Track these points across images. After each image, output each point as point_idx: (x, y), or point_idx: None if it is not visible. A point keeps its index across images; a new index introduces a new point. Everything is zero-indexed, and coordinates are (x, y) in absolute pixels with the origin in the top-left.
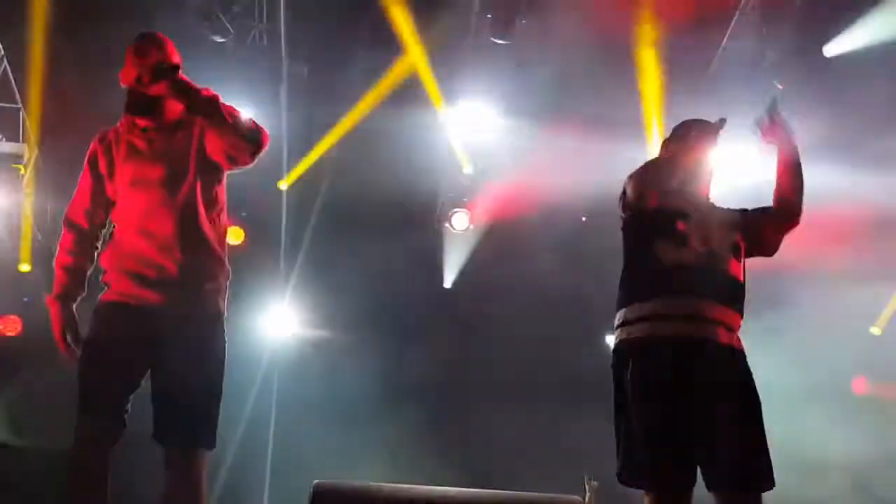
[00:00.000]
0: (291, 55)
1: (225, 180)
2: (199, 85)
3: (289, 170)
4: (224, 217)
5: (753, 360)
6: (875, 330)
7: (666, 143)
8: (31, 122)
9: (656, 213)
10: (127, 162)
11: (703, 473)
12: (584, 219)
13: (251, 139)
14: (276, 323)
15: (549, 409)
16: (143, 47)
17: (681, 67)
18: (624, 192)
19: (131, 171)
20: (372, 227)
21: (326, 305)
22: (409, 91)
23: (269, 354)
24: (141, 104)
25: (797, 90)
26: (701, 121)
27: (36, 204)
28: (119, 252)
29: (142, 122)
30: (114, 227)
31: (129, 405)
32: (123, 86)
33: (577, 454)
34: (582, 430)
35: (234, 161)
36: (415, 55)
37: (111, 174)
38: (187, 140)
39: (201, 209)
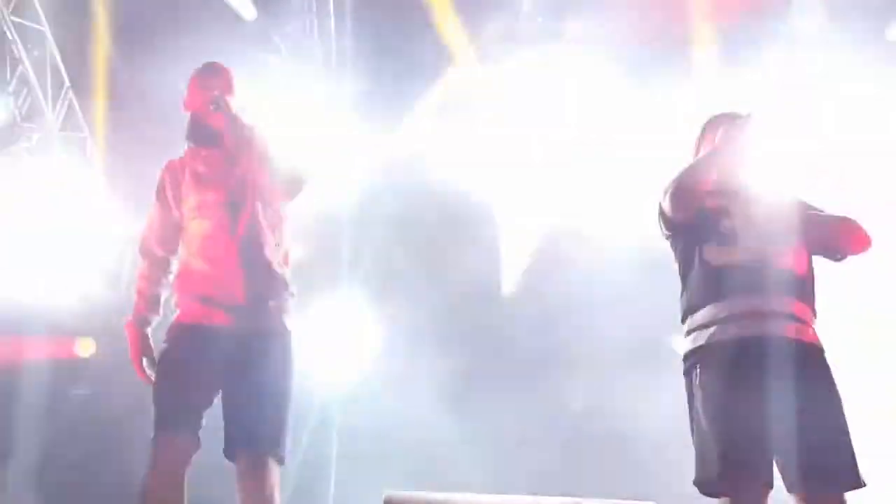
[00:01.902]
0: (344, 70)
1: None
2: (248, 121)
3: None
4: (287, 238)
5: None
6: None
7: (697, 143)
8: (97, 150)
9: (699, 216)
10: (191, 188)
11: (781, 475)
12: None
13: (287, 181)
14: (339, 334)
15: (619, 414)
16: (206, 78)
17: (737, 58)
18: (662, 212)
19: (195, 197)
20: (431, 235)
21: (389, 314)
22: (462, 98)
23: (332, 367)
24: (202, 133)
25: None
26: (729, 114)
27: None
28: (187, 276)
29: (205, 152)
30: (184, 252)
31: (203, 421)
32: (186, 111)
33: (651, 460)
34: (654, 437)
35: (286, 196)
36: (466, 63)
37: (178, 201)
38: (247, 166)
39: (263, 233)
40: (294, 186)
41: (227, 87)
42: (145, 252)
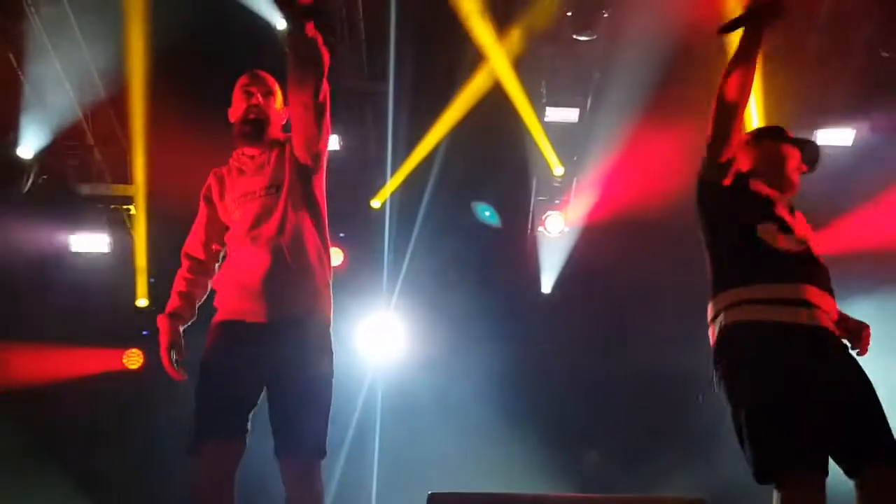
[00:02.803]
0: (373, 73)
1: (323, 196)
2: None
3: (381, 188)
4: (327, 236)
5: None
6: None
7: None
8: (136, 164)
9: (753, 197)
10: (235, 183)
11: (840, 462)
12: None
13: (314, 70)
14: (378, 341)
15: (663, 411)
16: (248, 85)
17: (779, 49)
18: (709, 157)
19: (239, 189)
20: (468, 237)
21: (429, 317)
22: (494, 97)
23: (373, 367)
24: (249, 133)
25: None
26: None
27: (148, 242)
28: (229, 268)
29: (249, 151)
30: (226, 251)
31: (249, 424)
32: (233, 121)
33: (699, 454)
34: (700, 430)
35: (309, 143)
36: (496, 61)
37: (222, 197)
38: (282, 152)
39: (304, 220)
40: (308, 106)
41: (269, 90)
42: (188, 257)
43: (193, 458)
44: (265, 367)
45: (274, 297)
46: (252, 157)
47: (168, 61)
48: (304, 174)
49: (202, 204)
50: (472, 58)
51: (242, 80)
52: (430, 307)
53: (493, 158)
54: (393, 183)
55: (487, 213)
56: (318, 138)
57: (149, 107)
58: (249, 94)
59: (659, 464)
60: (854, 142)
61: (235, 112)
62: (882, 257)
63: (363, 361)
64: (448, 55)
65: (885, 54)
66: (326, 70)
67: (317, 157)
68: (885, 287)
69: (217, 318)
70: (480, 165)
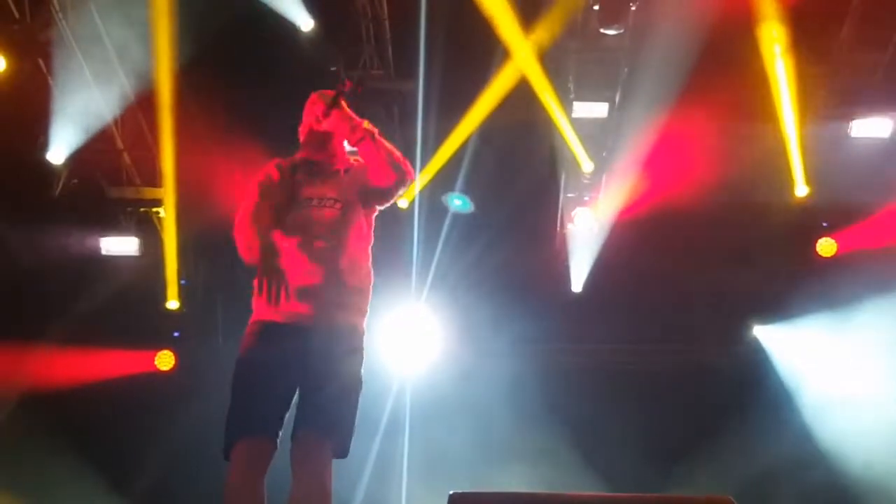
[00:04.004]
0: (400, 72)
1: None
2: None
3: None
4: (370, 250)
5: None
6: None
7: None
8: (165, 167)
9: None
10: (297, 186)
11: None
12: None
13: (398, 169)
14: (409, 339)
15: (691, 410)
16: (312, 104)
17: (808, 46)
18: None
19: (300, 194)
20: (499, 240)
21: (458, 318)
22: (520, 94)
23: (402, 368)
24: (315, 143)
25: None
26: None
27: (178, 244)
28: (270, 268)
29: (317, 157)
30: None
31: (282, 426)
32: (302, 140)
33: (723, 453)
34: (727, 430)
35: (383, 195)
36: (523, 57)
37: (281, 196)
38: (352, 178)
39: (360, 238)
40: (391, 180)
41: (325, 111)
42: (240, 229)
43: (228, 459)
44: (300, 366)
45: (312, 295)
46: (319, 166)
47: (196, 65)
48: (368, 204)
49: (257, 189)
50: (499, 54)
51: (309, 101)
52: (459, 308)
53: (521, 155)
54: (421, 182)
55: (458, 202)
56: (390, 191)
57: (177, 110)
58: (311, 113)
59: (690, 463)
60: (892, 133)
61: (305, 127)
62: None
63: (392, 361)
64: (475, 52)
65: None
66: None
67: (383, 195)
68: None
69: (254, 318)
70: (509, 162)
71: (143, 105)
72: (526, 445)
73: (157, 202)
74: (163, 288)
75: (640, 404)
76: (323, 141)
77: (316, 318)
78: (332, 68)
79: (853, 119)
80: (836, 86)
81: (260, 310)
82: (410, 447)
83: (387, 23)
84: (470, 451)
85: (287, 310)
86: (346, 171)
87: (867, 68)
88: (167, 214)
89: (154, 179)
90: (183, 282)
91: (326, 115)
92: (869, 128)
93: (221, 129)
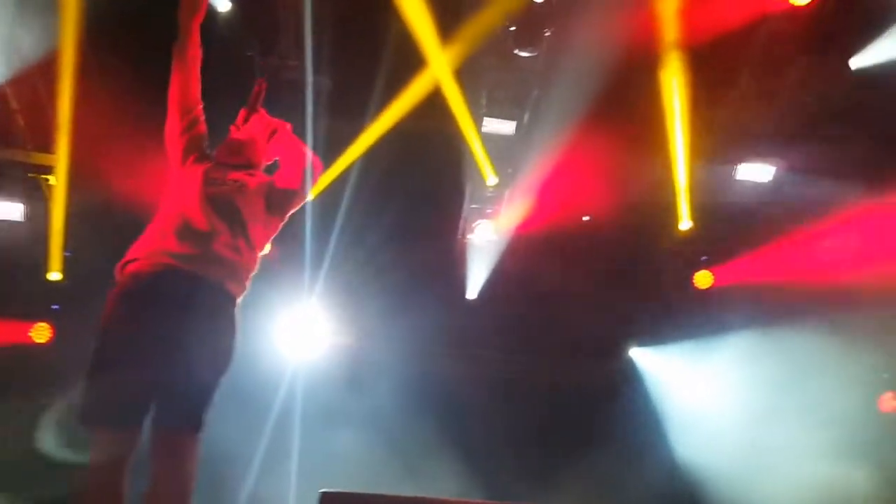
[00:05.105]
0: (314, 68)
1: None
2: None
3: (313, 182)
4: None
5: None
6: None
7: None
8: (60, 134)
9: None
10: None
11: None
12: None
13: (308, 164)
14: (300, 332)
15: (567, 422)
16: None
17: (706, 81)
18: None
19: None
20: (396, 238)
21: (350, 315)
22: (433, 103)
23: (293, 363)
24: (233, 148)
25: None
26: None
27: (66, 214)
28: (154, 238)
29: (231, 161)
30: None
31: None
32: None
33: (602, 471)
34: (606, 445)
35: (292, 197)
36: (438, 68)
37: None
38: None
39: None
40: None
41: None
42: None
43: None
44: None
45: (195, 260)
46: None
47: (104, 34)
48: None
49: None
50: (416, 62)
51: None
52: (352, 304)
53: (429, 162)
54: (326, 178)
55: None
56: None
57: (79, 78)
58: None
59: (564, 472)
60: (773, 179)
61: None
62: (778, 291)
63: (283, 354)
64: (393, 56)
65: (807, 99)
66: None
67: None
68: (778, 319)
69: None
70: (414, 166)
71: (43, 68)
72: (408, 447)
73: (48, 169)
74: (46, 258)
75: (520, 413)
76: (240, 148)
77: (191, 272)
78: (248, 53)
79: (739, 163)
80: (727, 130)
81: (129, 276)
82: (300, 447)
83: (307, 16)
84: (354, 449)
85: (156, 268)
86: (257, 184)
87: (758, 117)
88: (57, 183)
89: (47, 145)
90: (67, 253)
91: (246, 121)
92: (753, 172)
93: (124, 101)
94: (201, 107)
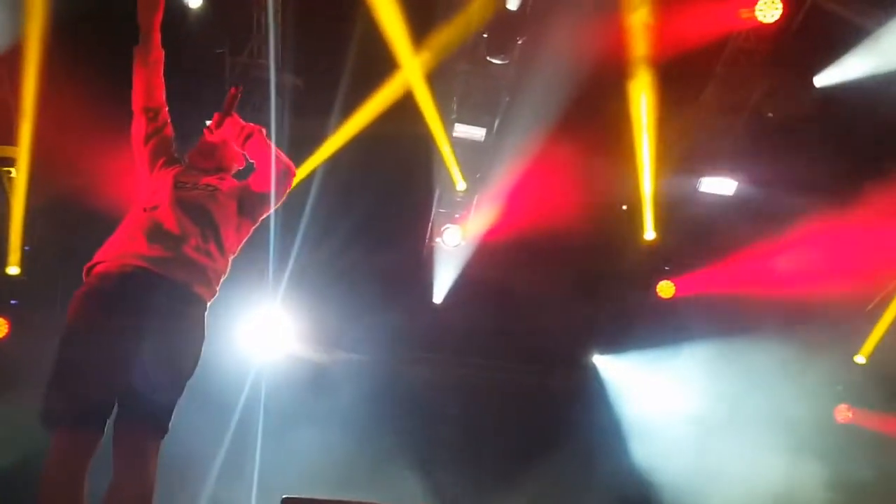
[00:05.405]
0: (285, 68)
1: None
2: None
3: (287, 186)
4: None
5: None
6: (859, 358)
7: None
8: (23, 127)
9: None
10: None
11: None
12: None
13: (282, 166)
14: (263, 335)
15: (529, 425)
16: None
17: (672, 94)
18: None
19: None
20: (362, 241)
21: (314, 318)
22: (404, 106)
23: (256, 367)
24: (205, 152)
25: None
26: None
27: (26, 208)
28: (123, 241)
29: (203, 165)
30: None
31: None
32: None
33: (559, 475)
34: (565, 449)
35: (266, 200)
36: (410, 71)
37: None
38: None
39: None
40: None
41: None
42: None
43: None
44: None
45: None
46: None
47: (71, 26)
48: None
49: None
50: (389, 65)
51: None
52: (317, 305)
53: (398, 165)
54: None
55: None
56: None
57: (44, 71)
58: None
59: (524, 475)
60: (735, 192)
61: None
62: (738, 303)
63: (246, 356)
64: (364, 59)
65: (769, 115)
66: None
67: None
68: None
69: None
70: (383, 169)
71: (6, 62)
72: (370, 451)
73: (10, 161)
74: (5, 253)
75: (482, 417)
76: (212, 151)
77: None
78: (218, 51)
79: (703, 175)
80: (692, 143)
81: (101, 276)
82: (262, 450)
83: (279, 15)
84: (316, 453)
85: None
86: (228, 188)
87: (722, 131)
88: (18, 176)
89: (9, 137)
90: (27, 248)
91: (219, 125)
92: (716, 185)
93: (89, 97)
94: (167, 110)
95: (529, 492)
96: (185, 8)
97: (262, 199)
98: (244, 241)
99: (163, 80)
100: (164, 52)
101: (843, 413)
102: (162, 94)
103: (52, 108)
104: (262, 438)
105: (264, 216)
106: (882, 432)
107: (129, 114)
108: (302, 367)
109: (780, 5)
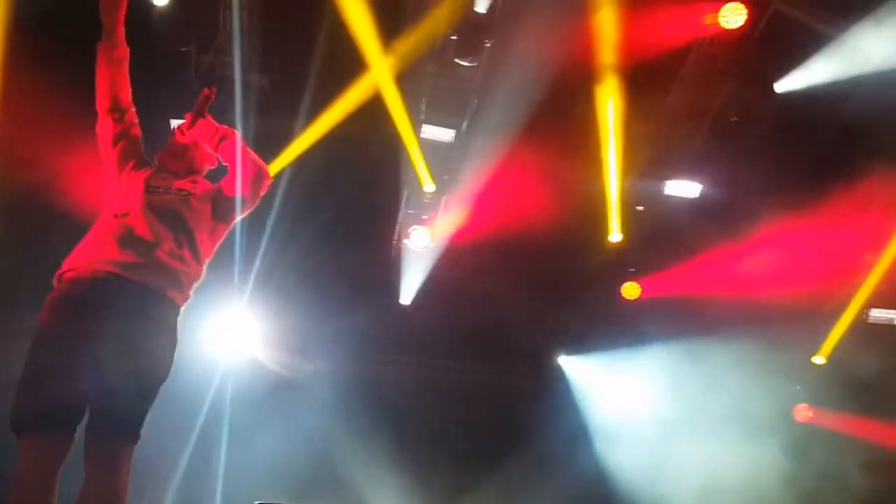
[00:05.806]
0: (252, 67)
1: None
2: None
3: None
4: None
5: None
6: (818, 359)
7: None
8: None
9: None
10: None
11: None
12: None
13: (256, 168)
14: (229, 337)
15: (496, 427)
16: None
17: (638, 97)
18: None
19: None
20: (330, 242)
21: (281, 320)
22: (372, 107)
23: (222, 370)
24: (176, 153)
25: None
26: None
27: None
28: (94, 247)
29: (173, 167)
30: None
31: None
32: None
33: (522, 476)
34: (529, 450)
35: (241, 204)
36: (378, 72)
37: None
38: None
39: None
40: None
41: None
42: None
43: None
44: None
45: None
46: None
47: (33, 24)
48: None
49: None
50: (356, 65)
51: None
52: (283, 307)
53: (365, 165)
54: None
55: None
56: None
57: (4, 69)
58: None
59: (489, 477)
60: (700, 195)
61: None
62: (702, 305)
63: (212, 359)
64: (332, 58)
65: (733, 119)
66: None
67: None
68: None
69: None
70: (349, 168)
71: None
72: (337, 454)
73: None
74: None
75: (448, 418)
76: (183, 153)
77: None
78: (183, 49)
79: (668, 178)
80: (657, 146)
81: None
82: (227, 458)
83: (245, 14)
84: (282, 457)
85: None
86: (201, 192)
87: (687, 135)
88: None
89: None
90: None
91: (192, 125)
92: (681, 188)
93: (54, 96)
94: (134, 110)
95: (497, 492)
96: (150, 5)
97: (236, 203)
98: (218, 244)
99: (128, 80)
100: (128, 50)
101: (802, 412)
102: (128, 95)
103: (11, 104)
104: (228, 441)
105: (240, 219)
106: (840, 431)
107: (93, 112)
108: (268, 370)
109: (744, 12)
